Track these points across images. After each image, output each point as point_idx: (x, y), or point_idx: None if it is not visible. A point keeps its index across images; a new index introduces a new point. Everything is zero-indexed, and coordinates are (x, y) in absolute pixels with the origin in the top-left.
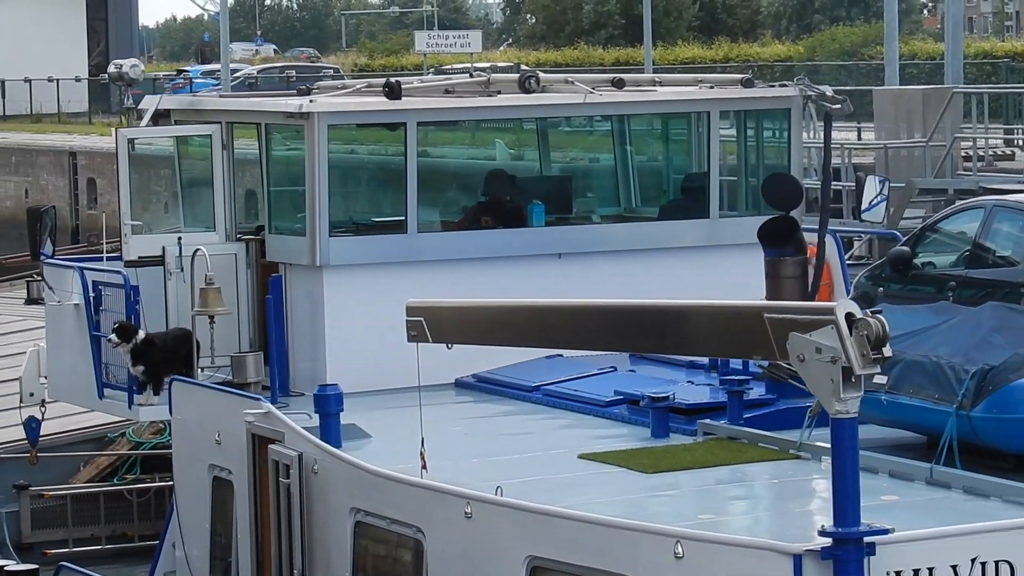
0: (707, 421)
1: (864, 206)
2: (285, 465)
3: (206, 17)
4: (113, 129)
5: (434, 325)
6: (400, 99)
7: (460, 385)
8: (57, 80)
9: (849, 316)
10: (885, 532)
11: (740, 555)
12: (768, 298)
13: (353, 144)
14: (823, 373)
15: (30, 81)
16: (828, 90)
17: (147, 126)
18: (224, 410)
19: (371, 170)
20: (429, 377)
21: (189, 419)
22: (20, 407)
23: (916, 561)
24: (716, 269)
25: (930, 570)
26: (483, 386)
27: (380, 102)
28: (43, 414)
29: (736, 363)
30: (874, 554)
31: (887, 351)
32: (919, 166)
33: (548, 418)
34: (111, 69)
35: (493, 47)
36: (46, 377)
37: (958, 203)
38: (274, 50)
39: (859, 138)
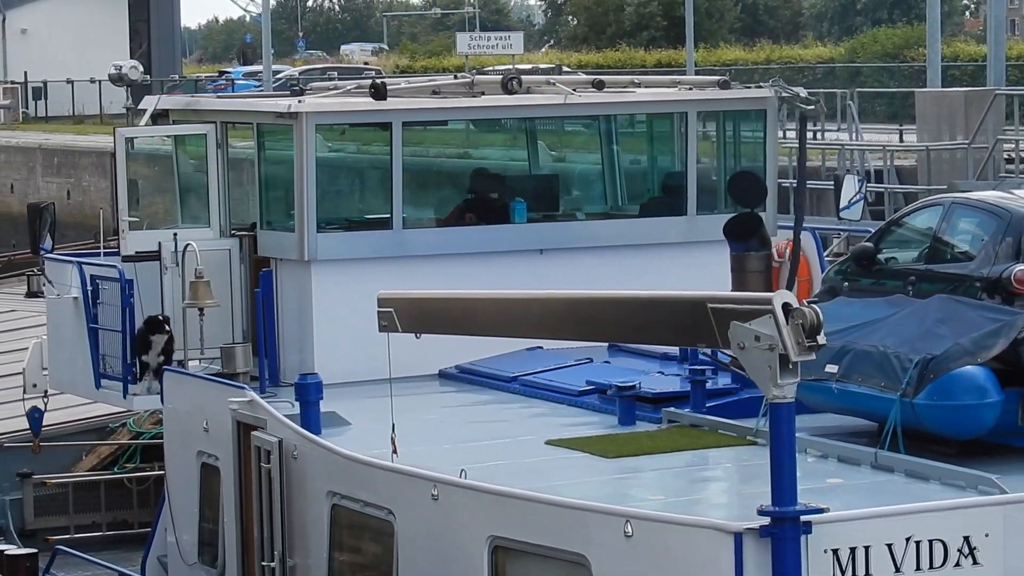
0: (671, 409)
1: (842, 204)
2: (266, 451)
3: (248, 19)
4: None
5: (403, 316)
6: (385, 99)
7: (444, 376)
8: (99, 81)
9: (786, 306)
10: (821, 511)
11: (685, 533)
12: (733, 291)
13: (342, 143)
14: (761, 360)
15: (72, 82)
16: (802, 91)
17: (146, 125)
18: (211, 399)
19: (359, 168)
20: (415, 368)
21: (179, 408)
22: (24, 398)
23: (852, 540)
24: (694, 264)
25: (866, 548)
26: (465, 377)
27: (366, 102)
28: (46, 405)
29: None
30: (811, 532)
31: (821, 339)
32: (961, 169)
33: (522, 407)
34: (111, 71)
35: (535, 49)
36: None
37: (919, 201)
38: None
39: (901, 140)
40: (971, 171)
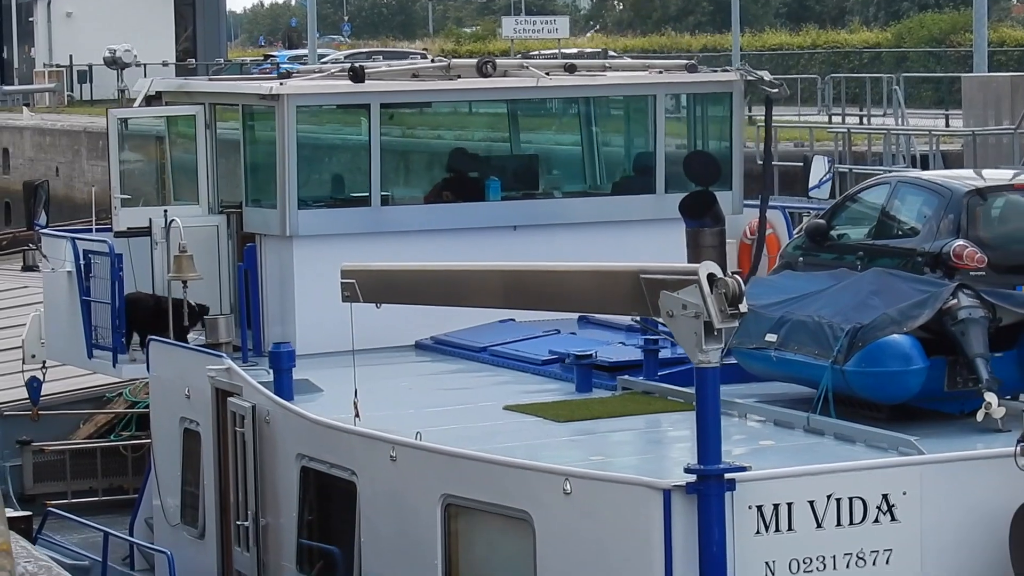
0: (626, 377)
1: (812, 184)
2: (241, 416)
3: (293, 3)
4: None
5: (364, 287)
6: (364, 82)
7: (419, 347)
8: (144, 65)
9: (711, 277)
10: (743, 469)
11: (618, 490)
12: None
13: (324, 124)
14: (688, 327)
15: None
16: (767, 75)
17: (140, 107)
18: (192, 367)
19: (341, 148)
20: (392, 339)
21: (163, 376)
22: (23, 369)
23: (775, 496)
24: (662, 240)
25: (789, 505)
26: (438, 347)
27: (346, 85)
28: (44, 375)
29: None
30: (734, 489)
31: (743, 307)
32: (1007, 153)
33: (488, 375)
34: (105, 54)
35: (580, 33)
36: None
37: (869, 180)
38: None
39: (947, 125)
40: (1017, 156)
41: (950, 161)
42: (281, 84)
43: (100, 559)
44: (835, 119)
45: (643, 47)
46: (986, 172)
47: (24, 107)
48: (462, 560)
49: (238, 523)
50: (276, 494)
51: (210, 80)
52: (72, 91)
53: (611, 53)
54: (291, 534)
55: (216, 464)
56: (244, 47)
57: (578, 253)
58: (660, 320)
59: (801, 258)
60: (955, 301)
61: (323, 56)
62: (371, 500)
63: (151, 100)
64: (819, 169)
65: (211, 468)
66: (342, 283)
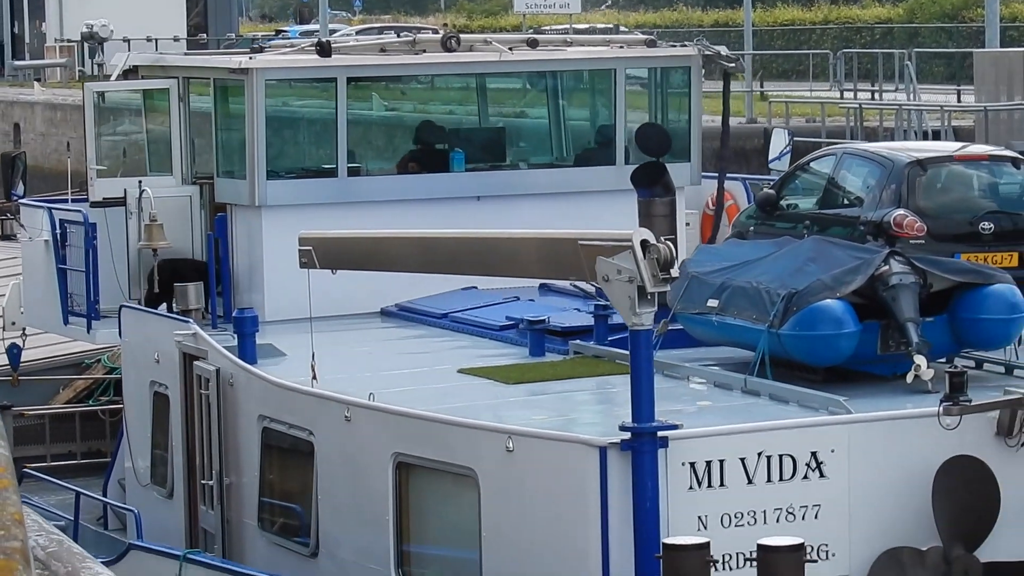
0: (577, 342)
1: (772, 156)
2: (206, 379)
3: None
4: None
5: (321, 254)
6: (330, 56)
7: (384, 313)
8: (156, 40)
9: (644, 243)
10: (675, 427)
11: (557, 448)
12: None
13: (293, 98)
14: (623, 291)
15: (128, 41)
16: (723, 50)
17: (117, 80)
18: (162, 333)
19: (310, 121)
20: (359, 306)
21: (134, 342)
22: (3, 337)
23: (707, 454)
24: (621, 210)
25: (721, 462)
26: (402, 314)
27: (313, 60)
28: (24, 341)
29: None
30: (667, 446)
31: (674, 272)
32: (1019, 129)
33: (447, 340)
34: (83, 29)
35: (593, 8)
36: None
37: (817, 151)
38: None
39: (959, 100)
40: None
41: (962, 136)
42: (250, 58)
43: (73, 519)
44: (847, 95)
45: (654, 23)
46: (929, 144)
47: (36, 82)
48: (412, 515)
49: (203, 482)
50: (239, 454)
51: (185, 55)
52: (83, 66)
53: (622, 29)
54: (253, 492)
55: (183, 426)
56: (255, 22)
57: (540, 222)
58: (596, 284)
59: (752, 227)
60: (887, 268)
61: (335, 31)
62: (327, 459)
63: (128, 74)
64: (779, 142)
65: (179, 430)
66: (299, 250)
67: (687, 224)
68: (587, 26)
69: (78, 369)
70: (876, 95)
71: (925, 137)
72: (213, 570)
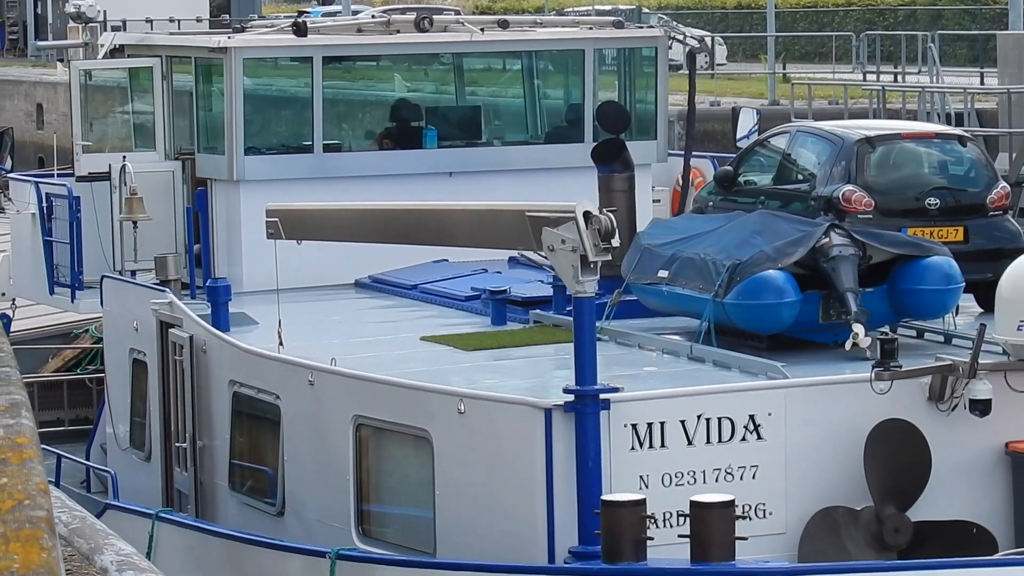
0: (538, 311)
1: (739, 134)
2: (180, 345)
3: None
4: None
5: (286, 225)
6: (306, 36)
7: (358, 285)
8: (179, 20)
9: (586, 214)
10: (616, 390)
11: (505, 410)
12: (600, 207)
13: (271, 76)
14: (566, 260)
15: (151, 21)
16: (689, 31)
17: (103, 59)
18: (140, 302)
19: (288, 99)
20: (334, 278)
21: (115, 311)
22: None
23: (648, 416)
24: (589, 185)
25: (662, 423)
26: (375, 285)
27: (290, 39)
28: (14, 312)
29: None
30: (609, 409)
31: (615, 242)
32: None
33: (415, 310)
34: (69, 8)
35: None
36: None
37: (772, 128)
38: None
39: (982, 83)
40: None
41: (984, 119)
42: (229, 38)
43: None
44: (870, 77)
45: (677, 4)
46: (880, 122)
47: (58, 63)
48: (371, 475)
49: (177, 445)
50: (211, 418)
51: (170, 35)
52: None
53: (644, 10)
54: (224, 454)
55: (160, 391)
56: (278, 3)
57: (510, 197)
58: (543, 254)
59: (711, 203)
60: (827, 240)
61: (357, 12)
62: (292, 422)
63: (115, 53)
64: (747, 120)
65: (156, 395)
66: (266, 221)
67: (658, 200)
68: (611, 7)
69: (66, 339)
70: (899, 77)
71: (948, 120)
72: (183, 528)
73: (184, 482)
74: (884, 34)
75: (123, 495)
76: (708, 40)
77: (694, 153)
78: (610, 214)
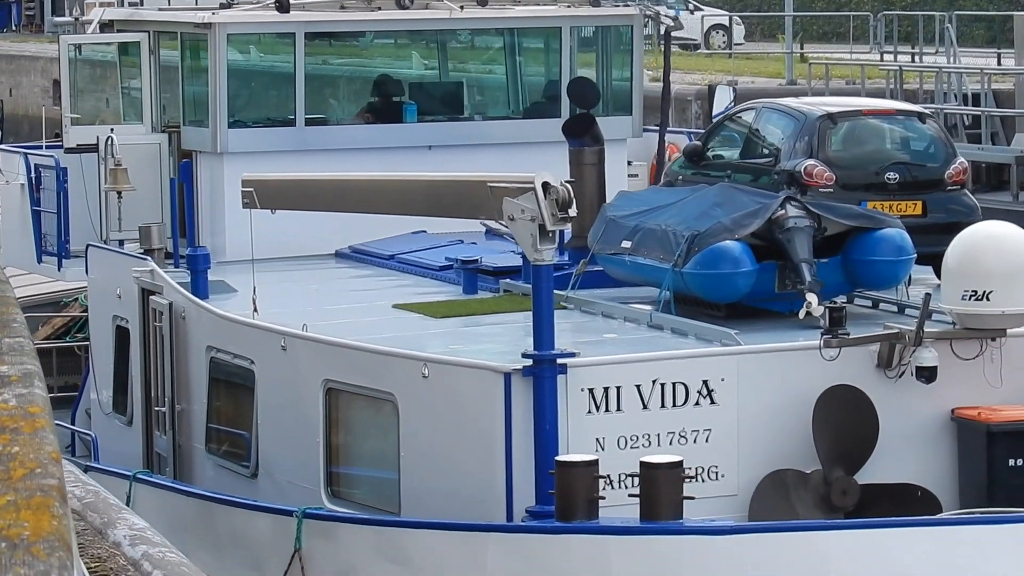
0: (508, 280)
1: (716, 111)
2: (160, 312)
3: None
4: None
5: (261, 195)
6: (289, 12)
7: (338, 255)
8: None
9: (545, 185)
10: (573, 355)
11: (467, 374)
12: (571, 180)
13: (255, 51)
14: (526, 229)
15: None
16: (663, 9)
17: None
18: (123, 270)
19: (271, 74)
20: (315, 248)
21: (99, 279)
22: None
23: (604, 380)
24: (565, 160)
25: (618, 388)
26: (354, 255)
27: (273, 15)
28: None
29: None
30: (566, 373)
31: (572, 212)
32: None
33: (390, 279)
34: None
35: None
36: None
37: (740, 104)
38: None
39: (999, 63)
40: None
41: (1001, 100)
42: (214, 14)
43: None
44: (887, 57)
45: None
46: (842, 99)
47: None
48: (340, 437)
49: (157, 409)
50: (189, 383)
51: (158, 10)
52: None
53: None
54: (201, 418)
55: (141, 357)
56: None
57: (487, 170)
58: (503, 223)
59: (680, 176)
60: (783, 212)
61: None
62: (266, 386)
63: (104, 28)
64: (723, 97)
65: (137, 361)
66: (242, 191)
67: (636, 175)
68: None
69: (56, 307)
70: (916, 58)
71: (965, 101)
72: (159, 489)
73: (163, 445)
74: (902, 14)
75: (107, 458)
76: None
77: (670, 128)
78: (567, 185)
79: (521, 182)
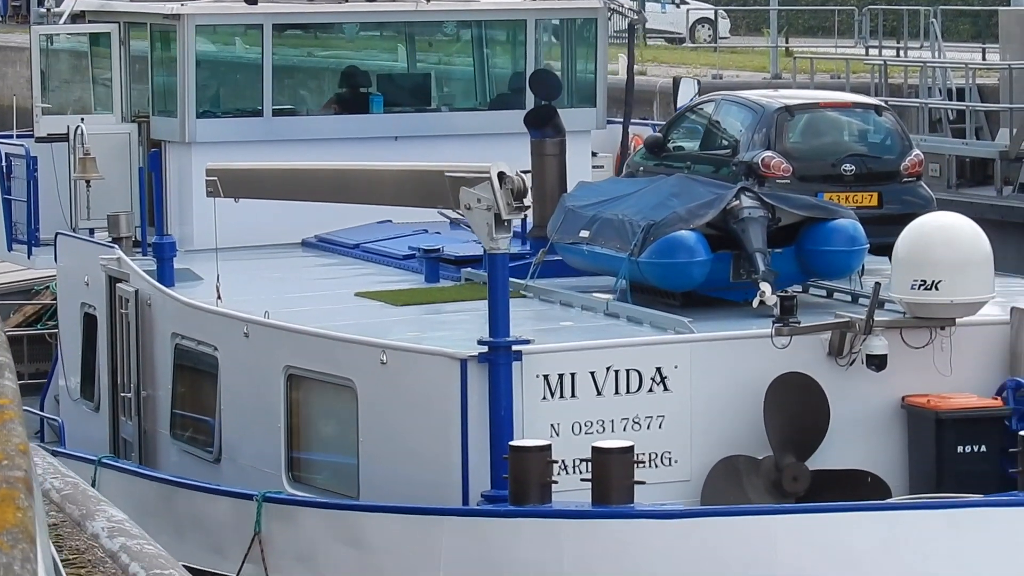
0: (469, 269)
1: (680, 103)
2: (126, 299)
3: None
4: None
5: (225, 184)
6: (257, 4)
7: (305, 244)
8: None
9: (500, 175)
10: (527, 342)
11: (424, 360)
12: (533, 171)
13: (223, 42)
14: (482, 218)
15: None
16: (627, 2)
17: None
18: (91, 258)
19: (239, 64)
20: (282, 237)
21: (68, 266)
22: None
23: (560, 367)
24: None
25: (572, 375)
26: (320, 245)
27: (241, 7)
28: None
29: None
30: (521, 360)
31: (527, 201)
32: None
33: (354, 268)
34: None
35: None
36: None
37: (701, 96)
38: None
39: (984, 58)
40: None
41: (986, 95)
42: (182, 5)
43: None
44: (872, 51)
45: None
46: (801, 92)
47: None
48: (301, 423)
49: (123, 395)
50: (154, 369)
51: (130, 1)
52: None
53: None
54: (166, 404)
55: (108, 344)
56: None
57: (453, 161)
58: (460, 212)
59: (641, 167)
60: (737, 202)
61: None
62: (229, 372)
63: (76, 18)
64: (688, 90)
65: (104, 347)
66: (206, 180)
67: (601, 166)
68: None
69: (28, 295)
70: (901, 52)
71: (950, 96)
72: (123, 473)
73: (129, 431)
74: (887, 8)
75: (75, 444)
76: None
77: (638, 120)
78: (523, 175)
79: (477, 172)
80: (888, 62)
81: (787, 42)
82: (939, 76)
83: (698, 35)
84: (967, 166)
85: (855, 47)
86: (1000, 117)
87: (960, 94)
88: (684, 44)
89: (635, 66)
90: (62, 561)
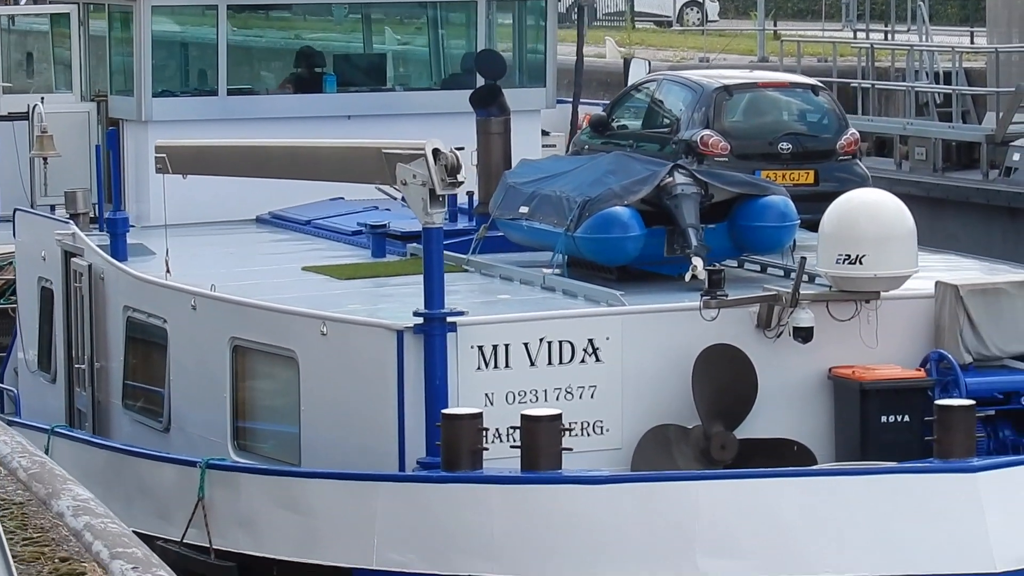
0: (415, 245)
1: (630, 84)
2: (80, 273)
3: None
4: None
5: (173, 160)
6: None
7: (258, 220)
8: None
9: (435, 151)
10: (461, 314)
11: (362, 332)
12: (478, 150)
13: (180, 23)
14: (417, 194)
15: None
16: None
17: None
18: (47, 233)
19: (195, 44)
20: (237, 214)
21: (26, 241)
22: None
23: (494, 339)
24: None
25: (506, 346)
26: (273, 221)
27: None
28: None
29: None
30: (455, 331)
31: (461, 177)
32: None
33: (304, 244)
34: None
35: None
36: None
37: (644, 76)
38: None
39: (972, 42)
40: None
41: (973, 78)
42: None
43: None
44: (859, 35)
45: None
46: (739, 71)
47: None
48: (246, 393)
49: (77, 367)
50: (107, 341)
51: None
52: None
53: None
54: (119, 375)
55: (64, 317)
56: None
57: (404, 139)
58: (397, 188)
59: (587, 146)
60: (671, 179)
61: None
62: (178, 344)
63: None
64: (638, 70)
65: (60, 320)
66: (155, 157)
67: (553, 145)
68: None
69: None
70: (889, 35)
71: (937, 79)
72: (75, 442)
73: (84, 401)
74: None
75: (33, 415)
76: None
77: (585, 100)
78: (456, 152)
79: (413, 149)
80: (875, 45)
81: (775, 25)
82: (926, 59)
83: (687, 18)
84: (953, 150)
85: (843, 30)
86: (987, 101)
87: (947, 78)
88: (672, 27)
89: (623, 48)
90: (26, 540)
